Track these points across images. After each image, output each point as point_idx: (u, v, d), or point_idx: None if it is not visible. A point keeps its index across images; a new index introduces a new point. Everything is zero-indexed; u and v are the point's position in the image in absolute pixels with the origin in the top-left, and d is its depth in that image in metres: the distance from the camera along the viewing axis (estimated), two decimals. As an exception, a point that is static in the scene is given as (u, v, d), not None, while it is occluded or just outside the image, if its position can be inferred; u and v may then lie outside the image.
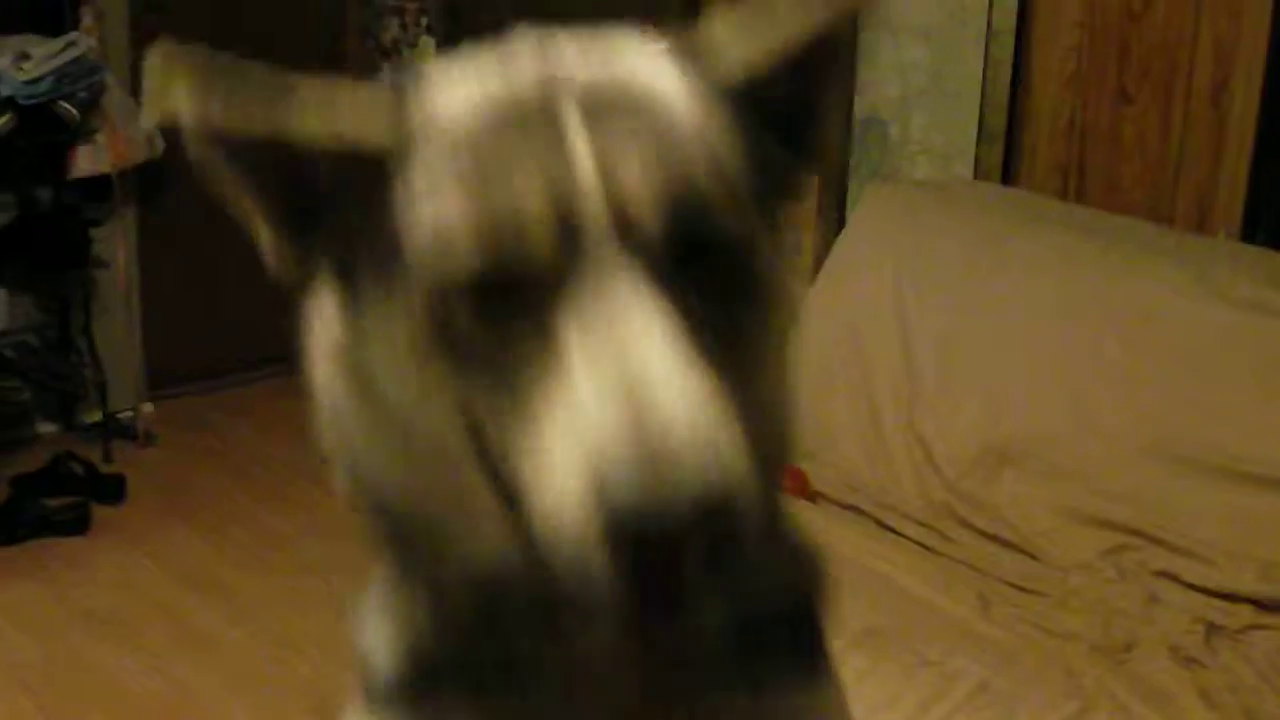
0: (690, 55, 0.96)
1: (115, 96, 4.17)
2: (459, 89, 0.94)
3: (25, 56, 3.93)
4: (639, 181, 0.88)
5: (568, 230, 0.87)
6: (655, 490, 0.78)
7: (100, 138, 4.16)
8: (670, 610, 0.81)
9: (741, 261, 0.91)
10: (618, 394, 0.81)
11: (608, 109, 0.91)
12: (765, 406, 0.93)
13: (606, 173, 0.88)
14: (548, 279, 0.88)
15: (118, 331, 4.50)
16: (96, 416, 4.44)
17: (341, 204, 0.95)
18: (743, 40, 0.96)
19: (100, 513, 3.99)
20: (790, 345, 0.99)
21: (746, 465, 0.82)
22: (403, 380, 0.93)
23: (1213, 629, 2.48)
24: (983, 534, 2.85)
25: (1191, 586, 2.59)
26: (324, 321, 0.99)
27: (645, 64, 0.95)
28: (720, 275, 0.90)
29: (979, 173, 3.60)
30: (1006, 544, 2.81)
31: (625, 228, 0.88)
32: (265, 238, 0.98)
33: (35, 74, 3.90)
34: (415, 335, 0.91)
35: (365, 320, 0.95)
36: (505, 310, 0.88)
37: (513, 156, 0.90)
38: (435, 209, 0.91)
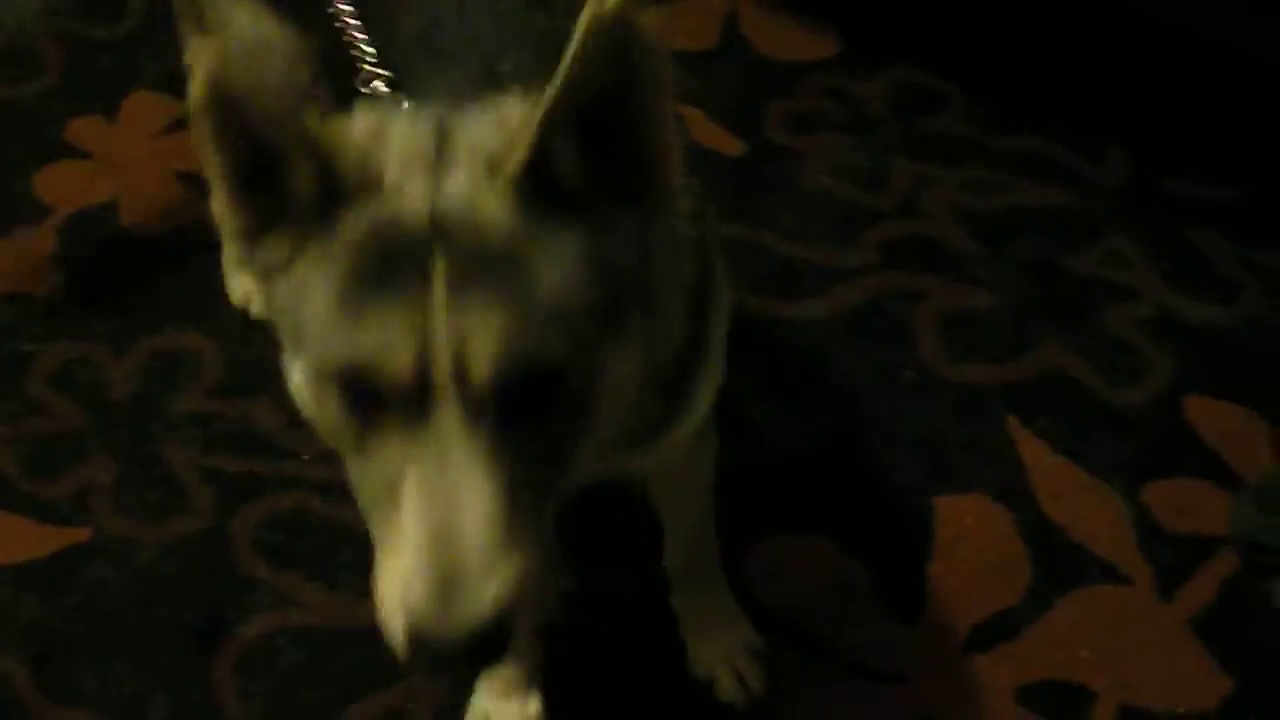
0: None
1: None
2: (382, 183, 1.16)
3: None
4: (481, 351, 1.11)
5: (420, 372, 1.11)
6: (443, 619, 1.08)
7: None
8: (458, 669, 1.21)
9: (561, 390, 1.15)
10: (430, 541, 1.09)
11: (469, 271, 1.12)
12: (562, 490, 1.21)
13: (457, 338, 1.11)
14: (399, 402, 1.11)
15: None
16: None
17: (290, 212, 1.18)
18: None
19: None
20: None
21: (523, 586, 1.11)
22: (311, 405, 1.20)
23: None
24: None
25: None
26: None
27: (507, 207, 1.15)
28: (543, 394, 1.14)
29: None
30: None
31: (464, 384, 1.11)
32: (218, 197, 1.19)
33: None
34: (308, 390, 1.19)
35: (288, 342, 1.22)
36: (366, 407, 1.13)
37: (389, 303, 1.12)
38: (321, 312, 1.15)
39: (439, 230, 1.14)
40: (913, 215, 2.35)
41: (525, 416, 1.14)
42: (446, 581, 1.10)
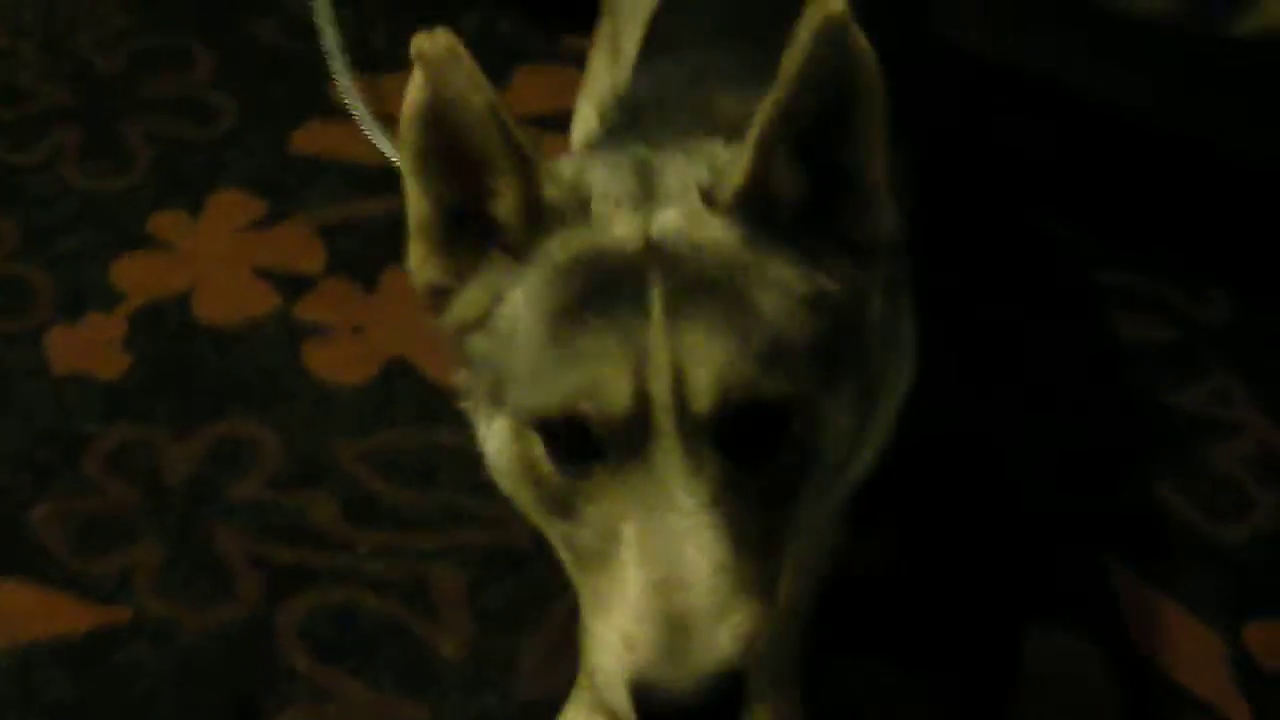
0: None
1: None
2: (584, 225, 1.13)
3: None
4: (703, 377, 1.04)
5: (638, 404, 1.04)
6: (673, 667, 1.00)
7: None
8: None
9: (785, 434, 1.08)
10: (655, 588, 1.01)
11: (689, 296, 1.07)
12: (793, 549, 1.14)
13: (677, 364, 1.05)
14: (614, 440, 1.05)
15: None
16: None
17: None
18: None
19: None
20: (837, 479, 1.20)
21: (757, 638, 1.03)
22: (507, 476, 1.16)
23: None
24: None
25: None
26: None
27: (725, 233, 1.11)
28: (766, 435, 1.08)
29: None
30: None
31: (683, 415, 1.04)
32: (417, 247, 1.18)
33: None
34: (511, 449, 1.13)
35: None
36: (575, 454, 1.07)
37: (604, 329, 1.06)
38: (530, 346, 1.10)
39: (654, 255, 1.09)
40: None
41: (748, 458, 1.07)
42: (675, 628, 1.02)
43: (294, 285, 2.32)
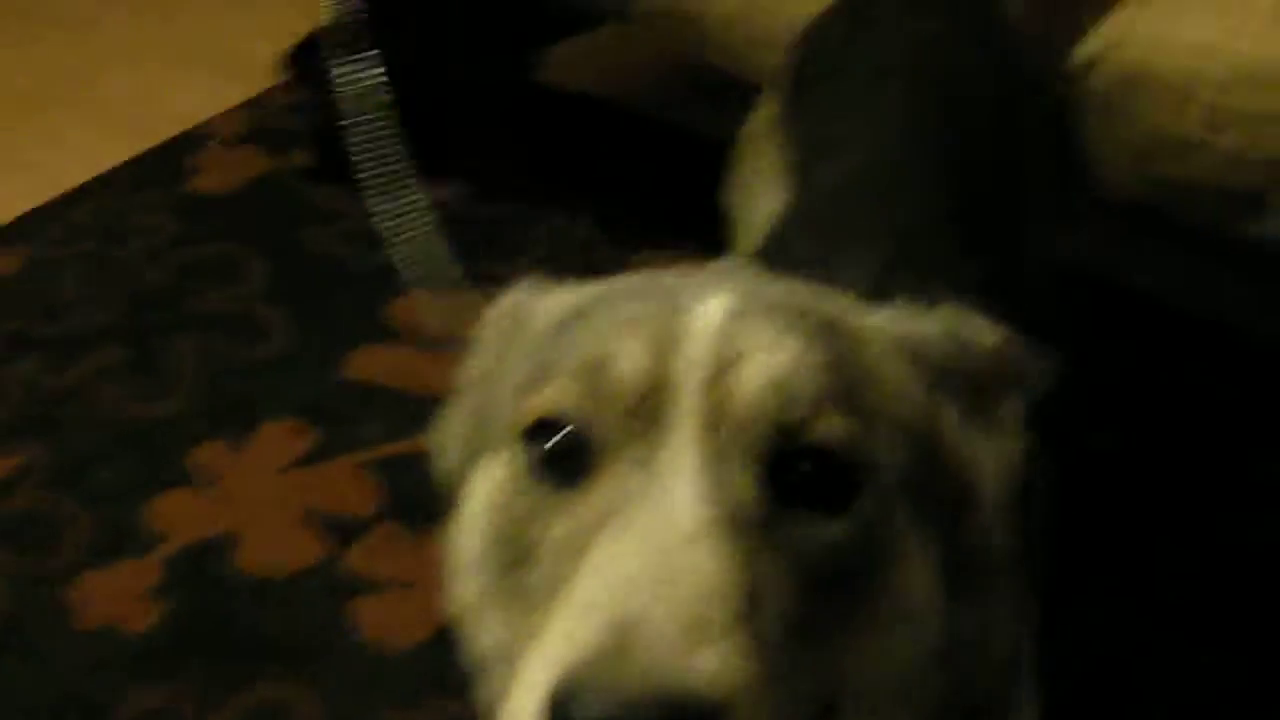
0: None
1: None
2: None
3: None
4: (758, 375, 0.82)
5: (651, 383, 0.82)
6: (611, 676, 0.70)
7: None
8: None
9: (851, 500, 0.82)
10: (622, 586, 0.74)
11: (765, 307, 0.86)
12: (820, 641, 0.81)
13: (725, 355, 0.83)
14: (612, 438, 0.82)
15: None
16: None
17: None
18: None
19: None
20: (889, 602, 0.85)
21: (746, 687, 0.72)
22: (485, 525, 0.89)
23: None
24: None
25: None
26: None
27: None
28: (822, 490, 0.82)
29: None
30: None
31: (719, 411, 0.81)
32: None
33: None
34: (488, 492, 0.89)
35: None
36: (561, 471, 0.84)
37: (628, 311, 0.86)
38: (531, 348, 0.92)
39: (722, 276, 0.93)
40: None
41: (792, 501, 0.81)
42: (633, 632, 0.71)
43: (344, 531, 2.11)
